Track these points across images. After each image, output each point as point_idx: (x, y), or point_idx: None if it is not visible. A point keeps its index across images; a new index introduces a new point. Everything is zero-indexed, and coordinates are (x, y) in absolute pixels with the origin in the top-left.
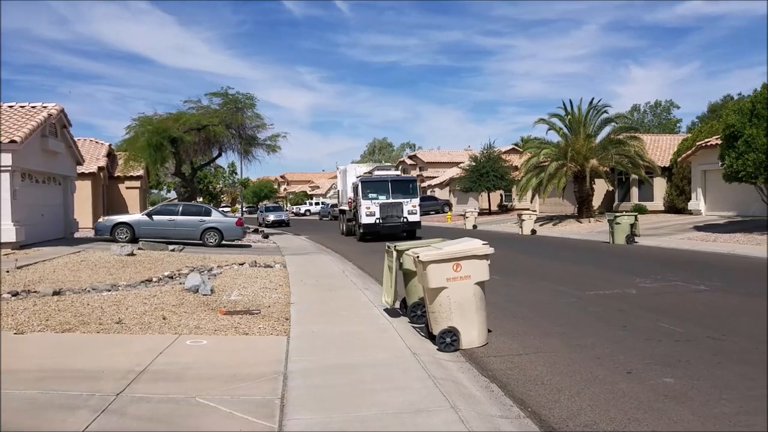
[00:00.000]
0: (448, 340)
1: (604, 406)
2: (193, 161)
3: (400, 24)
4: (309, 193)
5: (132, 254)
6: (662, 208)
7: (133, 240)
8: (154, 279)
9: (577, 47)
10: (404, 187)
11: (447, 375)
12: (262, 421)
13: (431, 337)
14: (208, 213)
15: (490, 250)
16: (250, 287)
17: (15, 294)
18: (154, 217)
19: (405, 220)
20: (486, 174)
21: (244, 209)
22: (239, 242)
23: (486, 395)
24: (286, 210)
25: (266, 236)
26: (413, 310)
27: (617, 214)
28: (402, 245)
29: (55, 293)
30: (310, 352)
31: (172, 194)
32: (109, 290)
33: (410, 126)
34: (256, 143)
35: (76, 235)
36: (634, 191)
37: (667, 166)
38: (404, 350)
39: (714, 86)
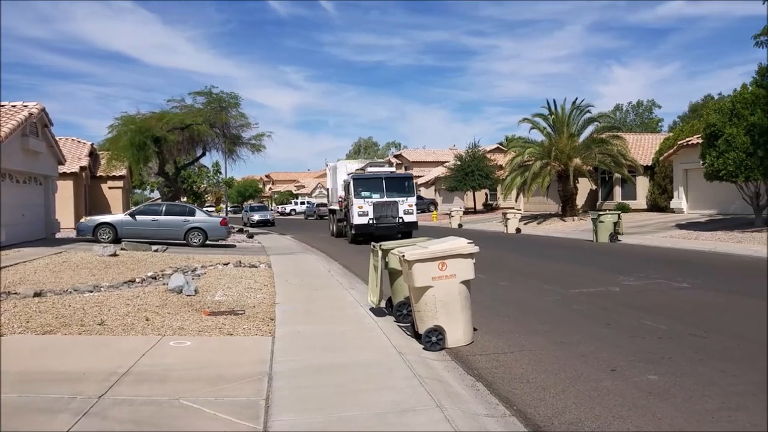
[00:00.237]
0: (433, 339)
1: (588, 404)
2: (176, 161)
3: (386, 23)
4: (294, 192)
5: (115, 255)
6: (645, 207)
7: (116, 240)
8: (137, 280)
9: (561, 48)
10: (399, 184)
11: (433, 374)
12: (247, 422)
13: (417, 336)
14: (192, 213)
15: (475, 249)
16: (234, 287)
17: None
18: (137, 217)
19: (400, 220)
20: (471, 173)
21: (228, 209)
22: (224, 242)
23: (472, 394)
24: (272, 210)
25: (251, 236)
26: (399, 310)
27: (601, 212)
28: (387, 244)
29: (36, 295)
30: (295, 353)
31: (156, 194)
32: (92, 291)
33: (396, 125)
34: (241, 142)
35: (58, 235)
36: (617, 190)
37: (649, 165)
38: (390, 350)
39: (695, 86)
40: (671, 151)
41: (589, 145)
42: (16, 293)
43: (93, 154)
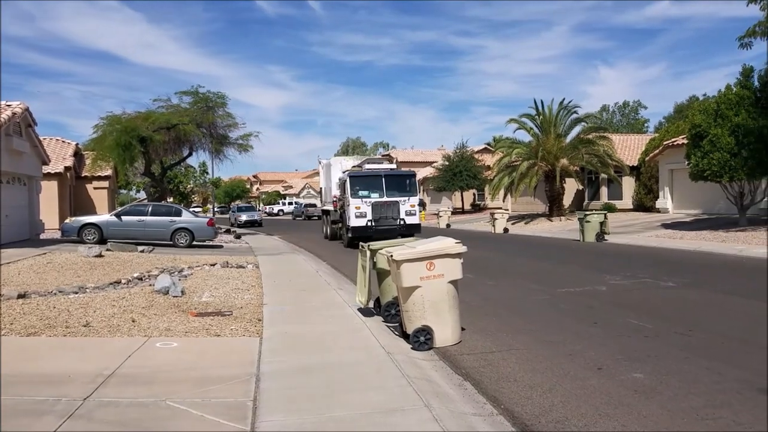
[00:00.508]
0: (422, 338)
1: (575, 402)
2: (162, 161)
3: (373, 23)
4: (282, 192)
5: (100, 255)
6: (631, 207)
7: (102, 241)
8: (123, 281)
9: (548, 48)
10: (400, 182)
11: (421, 374)
12: (234, 423)
13: (405, 336)
14: (178, 213)
15: (463, 249)
16: (221, 288)
17: None
18: (123, 217)
19: (402, 222)
20: (459, 173)
21: (215, 209)
22: (211, 243)
23: (459, 393)
24: (259, 210)
25: (238, 236)
26: (387, 310)
27: (587, 212)
28: (376, 244)
29: (20, 296)
30: (282, 353)
31: (142, 194)
32: (77, 293)
33: (384, 125)
34: (228, 142)
35: (42, 236)
36: (604, 190)
37: (635, 165)
38: (378, 350)
39: (680, 87)
40: (657, 151)
41: (576, 145)
42: None
43: (78, 154)
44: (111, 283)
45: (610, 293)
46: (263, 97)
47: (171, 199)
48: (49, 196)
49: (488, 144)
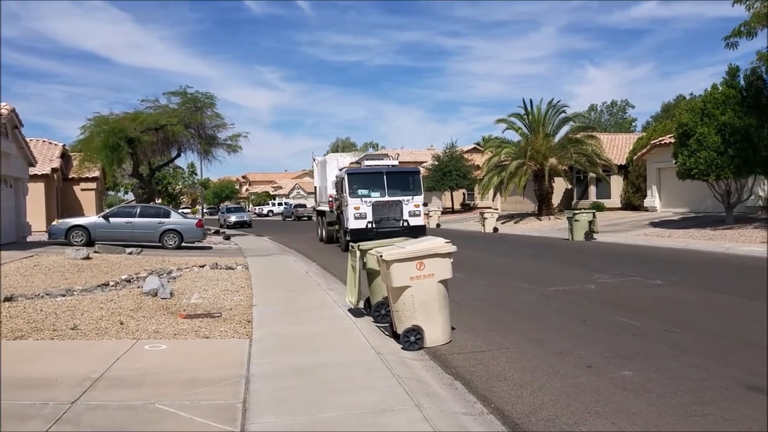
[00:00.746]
0: (412, 338)
1: (565, 401)
2: (151, 162)
3: (362, 24)
4: (272, 193)
5: (88, 258)
6: (619, 206)
7: (89, 243)
8: (111, 283)
9: (536, 48)
10: (403, 180)
11: (411, 374)
12: (224, 425)
13: (395, 336)
14: (167, 215)
15: (452, 249)
16: (211, 290)
17: None
18: (110, 219)
19: (405, 224)
20: (449, 173)
21: (204, 210)
22: (200, 244)
23: (450, 393)
24: (248, 211)
25: (228, 238)
26: (377, 310)
27: (576, 211)
28: (366, 245)
29: (7, 299)
30: (272, 355)
31: (130, 196)
32: (64, 295)
33: (373, 125)
34: (216, 143)
35: (29, 238)
36: (592, 189)
37: (623, 164)
38: (368, 350)
39: (667, 86)
40: (645, 150)
41: (565, 144)
42: None
43: (65, 156)
44: (99, 286)
45: (599, 292)
46: (252, 97)
47: (159, 201)
48: (35, 198)
49: (477, 144)
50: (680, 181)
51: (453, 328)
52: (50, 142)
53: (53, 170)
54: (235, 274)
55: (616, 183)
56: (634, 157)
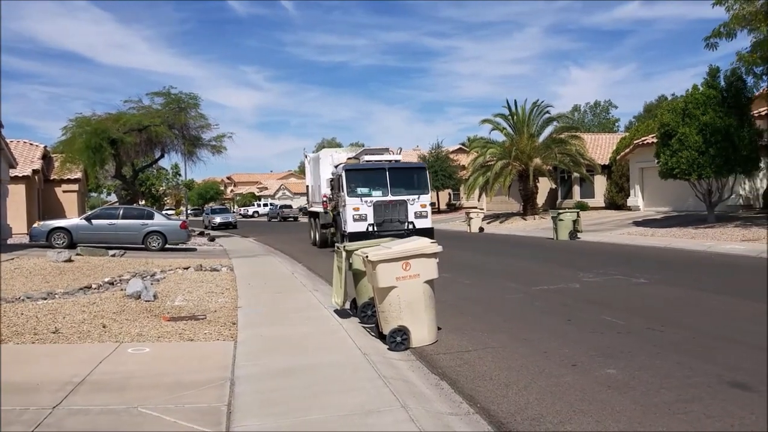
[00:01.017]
0: (398, 339)
1: (550, 399)
2: (134, 163)
3: (348, 24)
4: (257, 194)
5: (70, 260)
6: (603, 205)
7: (71, 246)
8: (94, 286)
9: (520, 49)
10: (408, 177)
11: (397, 374)
12: (208, 429)
13: (382, 336)
14: (150, 216)
15: (438, 249)
16: (195, 292)
17: None
18: (93, 221)
19: (411, 226)
20: (435, 173)
21: (188, 212)
22: (184, 246)
23: (436, 393)
24: (234, 212)
25: (212, 239)
26: (363, 311)
27: (560, 211)
28: (352, 245)
29: None
30: (258, 357)
31: (113, 197)
32: (45, 298)
33: (360, 126)
34: (201, 144)
35: (10, 241)
36: (576, 189)
37: (606, 164)
38: (354, 351)
39: (649, 87)
40: (627, 150)
41: (549, 145)
42: None
43: (46, 157)
44: (81, 289)
45: (583, 290)
46: (236, 97)
47: (143, 202)
48: (16, 200)
49: (463, 144)
50: (662, 181)
51: (439, 328)
52: (31, 144)
53: (34, 172)
54: (220, 276)
55: (600, 183)
56: (617, 157)
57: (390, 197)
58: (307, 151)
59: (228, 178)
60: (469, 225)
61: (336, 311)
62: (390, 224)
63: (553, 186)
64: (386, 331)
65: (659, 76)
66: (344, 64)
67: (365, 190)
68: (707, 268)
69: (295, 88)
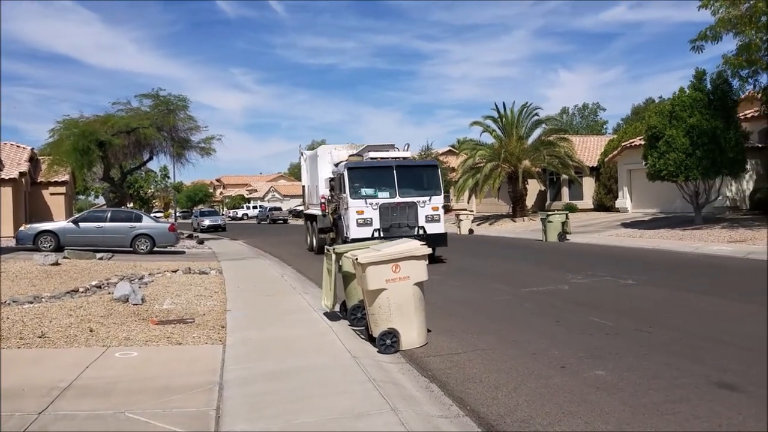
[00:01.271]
0: (388, 341)
1: (539, 401)
2: (122, 165)
3: (337, 26)
4: (246, 196)
5: (57, 264)
6: (591, 207)
7: (58, 249)
8: (81, 289)
9: (509, 52)
10: (417, 177)
11: (387, 377)
12: None
13: (371, 339)
14: (138, 219)
15: (428, 251)
16: (183, 295)
17: None
18: (80, 224)
19: (422, 231)
20: None
21: (177, 214)
22: (172, 248)
23: (426, 395)
24: (223, 214)
25: (201, 242)
26: (353, 313)
27: (549, 212)
28: (341, 247)
29: None
30: (247, 360)
31: (101, 200)
32: (31, 302)
33: (349, 128)
34: (190, 146)
35: None
36: (565, 191)
37: (595, 166)
38: (344, 354)
39: (637, 89)
40: (615, 152)
41: (538, 147)
42: None
43: (33, 159)
44: (68, 292)
45: (572, 292)
46: (226, 99)
47: (131, 205)
48: (3, 202)
49: (452, 146)
50: (650, 182)
51: (429, 331)
52: (18, 146)
53: (21, 174)
54: (209, 279)
55: (588, 184)
56: (606, 159)
57: (398, 199)
58: (294, 156)
59: (217, 180)
60: (459, 227)
61: (326, 314)
62: (398, 229)
63: (542, 188)
64: (376, 333)
65: (647, 78)
66: (334, 66)
67: (370, 191)
68: (695, 269)
69: (284, 91)
